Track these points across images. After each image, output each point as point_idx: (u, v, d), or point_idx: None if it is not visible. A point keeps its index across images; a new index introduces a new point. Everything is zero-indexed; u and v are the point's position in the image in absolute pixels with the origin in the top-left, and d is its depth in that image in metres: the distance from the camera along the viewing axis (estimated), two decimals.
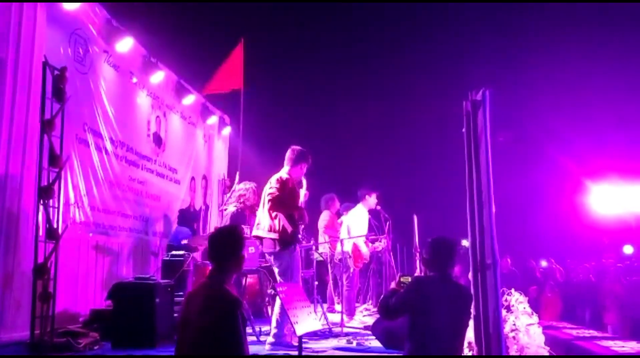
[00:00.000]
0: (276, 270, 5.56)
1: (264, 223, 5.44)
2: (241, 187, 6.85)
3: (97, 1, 6.76)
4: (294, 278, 5.42)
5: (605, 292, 9.78)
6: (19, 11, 5.35)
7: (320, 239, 8.02)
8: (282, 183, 5.42)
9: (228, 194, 8.52)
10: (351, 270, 7.36)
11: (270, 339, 5.26)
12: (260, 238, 5.52)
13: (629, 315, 9.20)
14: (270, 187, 5.43)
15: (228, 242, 3.23)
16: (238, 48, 9.69)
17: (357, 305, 7.86)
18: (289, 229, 5.35)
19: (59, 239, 4.91)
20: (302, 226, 5.72)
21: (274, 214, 5.38)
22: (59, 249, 4.91)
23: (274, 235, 5.37)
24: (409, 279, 4.15)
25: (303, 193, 5.70)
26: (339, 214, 8.47)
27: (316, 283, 7.00)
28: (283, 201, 5.34)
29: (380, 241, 8.02)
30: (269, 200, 5.36)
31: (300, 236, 5.61)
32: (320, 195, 8.27)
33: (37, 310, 4.68)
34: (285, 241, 5.35)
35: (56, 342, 4.81)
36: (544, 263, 11.74)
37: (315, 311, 5.30)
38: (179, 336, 3.16)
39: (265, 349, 5.21)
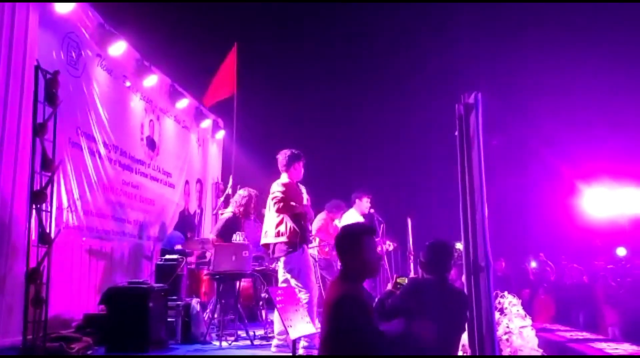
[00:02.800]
0: (281, 276, 5.56)
1: (270, 230, 5.47)
2: (244, 194, 6.79)
3: (90, 1, 6.75)
4: (308, 278, 5.41)
5: (600, 294, 9.79)
6: (11, 15, 5.33)
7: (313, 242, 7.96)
8: (285, 186, 5.46)
9: (222, 198, 8.50)
10: None
11: (275, 341, 5.28)
12: (268, 245, 5.54)
13: (623, 316, 9.21)
14: (273, 191, 5.47)
15: (342, 246, 3.08)
16: (231, 53, 9.70)
17: None
18: (298, 229, 5.37)
19: (51, 243, 4.88)
20: (310, 225, 5.77)
21: (279, 218, 5.41)
22: (51, 253, 4.88)
23: (283, 238, 5.39)
24: (405, 280, 4.14)
25: (305, 197, 5.72)
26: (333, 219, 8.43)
27: None
28: (288, 203, 5.37)
29: (388, 244, 8.01)
30: (275, 203, 5.39)
31: (308, 235, 5.64)
32: (316, 199, 8.24)
33: (29, 315, 4.64)
34: (295, 242, 5.36)
35: (49, 347, 4.78)
36: (533, 264, 11.74)
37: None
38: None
39: (272, 351, 5.24)
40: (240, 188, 7.25)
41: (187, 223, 8.71)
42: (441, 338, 3.62)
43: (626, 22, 12.82)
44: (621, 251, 13.25)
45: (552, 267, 11.20)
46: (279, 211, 5.37)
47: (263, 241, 5.61)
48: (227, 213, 6.86)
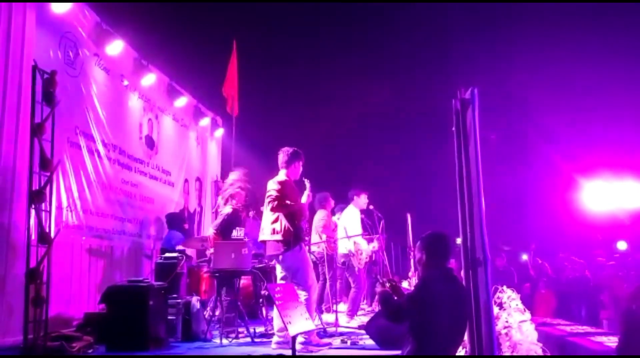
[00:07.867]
0: (279, 273, 5.57)
1: (266, 228, 5.48)
2: (228, 183, 6.72)
3: (87, 0, 6.74)
4: (307, 275, 5.40)
5: (601, 288, 9.77)
6: (8, 15, 5.34)
7: (315, 238, 7.95)
8: (281, 184, 5.46)
9: (221, 196, 8.50)
10: (356, 269, 7.33)
11: (276, 338, 5.29)
12: (264, 243, 5.55)
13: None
14: (269, 190, 5.47)
15: None
16: (233, 52, 9.69)
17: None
18: (291, 228, 5.36)
19: (51, 243, 4.89)
20: (306, 224, 5.76)
21: (274, 216, 5.41)
22: (51, 253, 4.89)
23: (278, 237, 5.38)
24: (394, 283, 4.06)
25: (306, 194, 5.72)
26: (333, 213, 8.44)
27: None
28: (283, 201, 5.37)
29: (373, 242, 7.97)
30: (269, 202, 5.40)
31: (303, 233, 5.63)
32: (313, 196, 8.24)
33: (30, 315, 4.66)
34: (289, 241, 5.35)
35: (49, 346, 4.79)
36: (524, 257, 11.71)
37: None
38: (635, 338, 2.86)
39: (272, 348, 5.25)
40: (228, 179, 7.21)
41: (177, 220, 8.57)
42: (449, 334, 3.61)
43: (624, 15, 12.80)
44: (622, 245, 13.24)
45: (547, 267, 11.17)
46: (273, 209, 5.38)
47: (260, 237, 5.63)
48: (227, 209, 6.86)
